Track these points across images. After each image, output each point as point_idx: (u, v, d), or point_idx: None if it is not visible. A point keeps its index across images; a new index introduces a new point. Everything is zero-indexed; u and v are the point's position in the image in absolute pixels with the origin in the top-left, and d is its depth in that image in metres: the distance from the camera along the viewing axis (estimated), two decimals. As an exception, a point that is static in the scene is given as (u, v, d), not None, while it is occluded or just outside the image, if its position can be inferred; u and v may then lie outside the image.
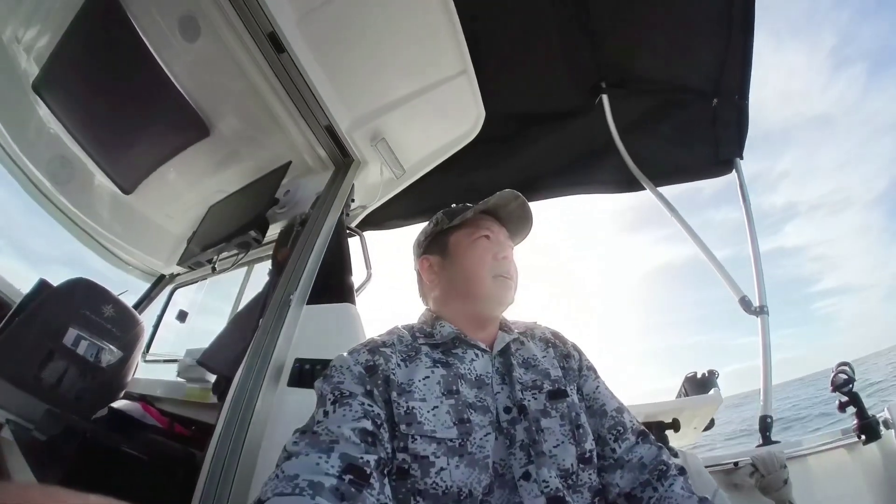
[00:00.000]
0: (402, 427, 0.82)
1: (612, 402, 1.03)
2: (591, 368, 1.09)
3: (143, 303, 2.92)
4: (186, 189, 2.68)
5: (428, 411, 0.84)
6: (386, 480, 0.76)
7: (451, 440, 0.82)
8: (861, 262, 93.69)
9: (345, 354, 0.93)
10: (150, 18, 2.07)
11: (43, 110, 2.40)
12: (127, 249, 2.86)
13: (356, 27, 1.97)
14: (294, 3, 1.87)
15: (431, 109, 2.21)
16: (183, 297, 2.99)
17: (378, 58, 2.06)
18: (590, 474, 0.90)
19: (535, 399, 0.93)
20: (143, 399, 2.05)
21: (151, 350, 2.78)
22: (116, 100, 2.35)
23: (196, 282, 2.92)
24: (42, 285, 2.24)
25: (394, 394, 0.85)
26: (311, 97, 2.03)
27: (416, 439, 0.81)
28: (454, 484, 0.78)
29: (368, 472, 0.71)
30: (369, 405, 0.82)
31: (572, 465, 0.87)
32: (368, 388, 0.85)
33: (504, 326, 1.07)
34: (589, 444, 0.92)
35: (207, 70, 2.18)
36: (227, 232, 2.17)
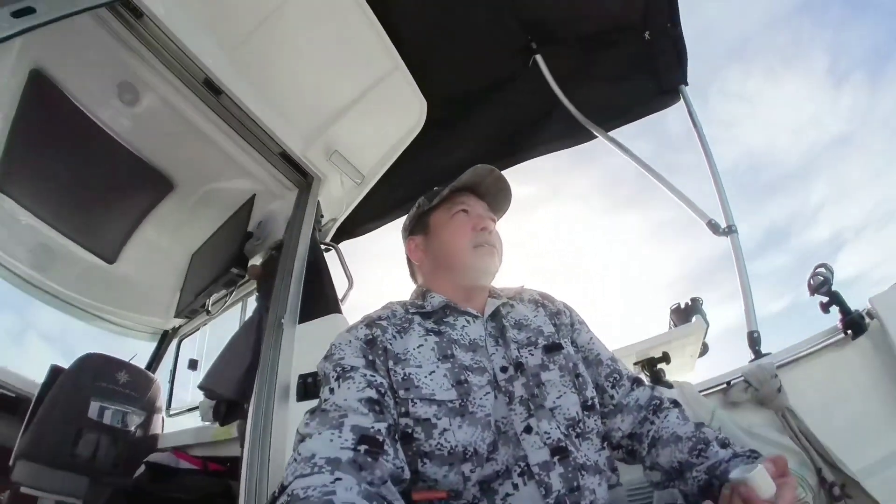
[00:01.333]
0: (402, 392, 0.85)
1: (606, 352, 1.09)
2: (582, 322, 1.14)
3: (154, 361, 3.01)
4: (167, 243, 2.76)
5: (425, 376, 0.87)
6: (398, 445, 0.78)
7: (450, 401, 0.85)
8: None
9: (343, 332, 0.97)
10: (88, 92, 2.12)
11: (10, 204, 2.45)
12: (125, 316, 2.96)
13: (283, 50, 2.03)
14: (220, 44, 1.92)
15: (375, 111, 2.27)
16: (190, 347, 3.07)
17: (312, 74, 2.12)
18: (595, 420, 0.94)
19: (532, 355, 0.96)
20: (176, 449, 2.14)
21: (173, 405, 2.87)
22: (78, 176, 2.40)
23: (198, 329, 3.00)
24: (54, 371, 2.33)
25: (391, 363, 0.89)
26: (258, 129, 2.09)
27: (415, 403, 0.84)
28: (458, 443, 0.81)
29: (381, 439, 0.73)
30: (371, 375, 0.84)
31: (577, 413, 0.91)
32: (370, 358, 0.88)
33: (493, 293, 1.10)
34: (590, 392, 0.97)
35: (155, 127, 2.23)
36: (211, 275, 2.25)
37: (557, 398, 0.91)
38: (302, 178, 2.27)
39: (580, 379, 0.97)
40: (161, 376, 2.90)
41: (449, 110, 2.62)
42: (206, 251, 2.57)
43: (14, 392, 2.70)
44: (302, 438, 0.75)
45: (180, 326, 3.06)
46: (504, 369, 0.93)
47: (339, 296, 1.91)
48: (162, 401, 2.48)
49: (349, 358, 0.88)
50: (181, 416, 2.78)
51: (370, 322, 0.97)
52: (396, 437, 0.80)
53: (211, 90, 1.96)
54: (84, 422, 2.09)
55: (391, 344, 0.92)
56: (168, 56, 1.85)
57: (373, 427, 0.75)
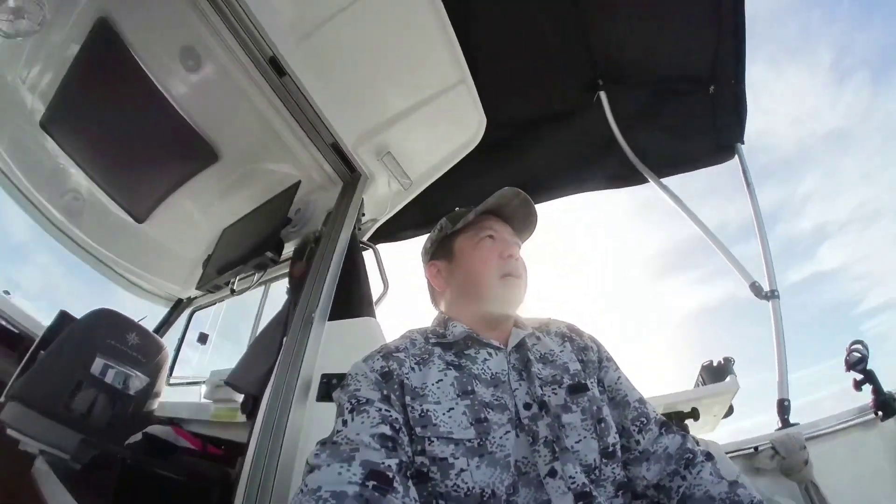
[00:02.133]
0: (418, 430, 0.82)
1: (634, 394, 1.03)
2: (611, 359, 1.08)
3: (162, 327, 2.98)
4: (199, 214, 2.73)
5: (443, 413, 0.84)
6: (410, 483, 0.76)
7: (469, 440, 0.82)
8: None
9: (360, 362, 0.94)
10: (150, 50, 2.11)
11: (52, 146, 2.44)
12: (143, 276, 2.93)
13: (354, 45, 2.01)
14: (292, 27, 1.91)
15: (433, 120, 2.24)
16: (202, 320, 3.04)
17: (378, 73, 2.10)
18: (613, 468, 0.89)
19: (556, 394, 0.92)
20: (173, 422, 2.09)
21: (174, 374, 2.83)
22: (124, 131, 2.39)
23: (214, 304, 2.96)
24: (63, 317, 2.30)
25: (408, 398, 0.86)
26: (314, 117, 2.07)
27: (432, 441, 0.81)
28: (476, 485, 0.78)
29: (391, 476, 0.71)
30: (387, 410, 0.82)
31: (595, 460, 0.86)
32: (385, 392, 0.86)
33: (518, 323, 1.05)
34: (612, 438, 0.91)
35: (212, 97, 2.22)
36: (242, 254, 2.21)
37: (576, 442, 0.86)
38: (349, 172, 2.24)
39: (602, 424, 0.91)
40: (166, 343, 2.86)
41: (507, 133, 2.61)
42: (239, 228, 2.53)
43: (18, 328, 2.69)
44: (311, 469, 0.73)
45: (195, 298, 3.03)
46: (528, 406, 0.90)
47: (374, 299, 1.86)
48: (166, 369, 2.43)
49: (364, 390, 0.86)
50: (180, 388, 2.74)
51: (387, 354, 0.94)
52: (408, 474, 0.78)
53: (275, 69, 1.94)
54: (85, 376, 2.04)
55: (408, 378, 0.89)
56: (238, 28, 1.83)
57: (383, 463, 0.73)
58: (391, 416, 0.82)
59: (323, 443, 0.79)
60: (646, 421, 0.98)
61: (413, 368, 0.92)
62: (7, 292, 2.76)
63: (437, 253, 1.16)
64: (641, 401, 1.02)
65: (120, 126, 2.39)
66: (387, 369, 0.90)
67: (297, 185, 2.27)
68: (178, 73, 2.17)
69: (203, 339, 2.80)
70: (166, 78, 2.20)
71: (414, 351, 0.96)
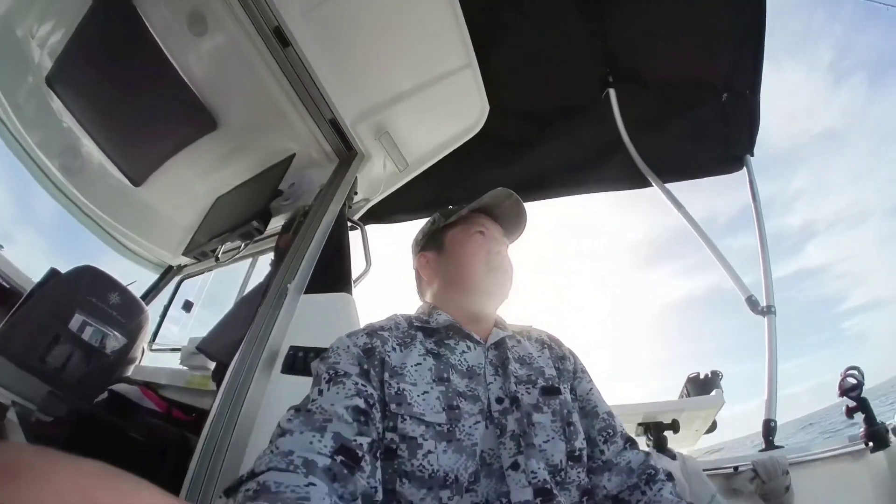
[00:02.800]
0: (393, 406, 0.82)
1: (604, 406, 1.03)
2: (585, 372, 1.10)
3: (151, 293, 2.97)
4: (194, 181, 2.72)
5: (418, 395, 0.85)
6: (377, 464, 0.76)
7: (439, 424, 0.82)
8: (887, 274, 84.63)
9: (344, 336, 0.94)
10: (159, 13, 2.11)
11: (56, 103, 2.45)
12: (136, 240, 2.92)
13: (360, 21, 1.98)
14: (308, 4, 1.90)
15: (435, 103, 2.21)
16: (190, 288, 3.03)
17: (382, 51, 2.07)
18: (578, 472, 0.89)
19: (529, 393, 0.93)
20: (146, 385, 2.08)
21: (158, 339, 2.83)
22: (127, 93, 2.39)
23: (203, 273, 2.96)
24: (52, 274, 2.29)
25: (386, 374, 0.86)
26: (315, 91, 2.06)
27: (405, 419, 0.81)
28: (440, 468, 0.78)
29: (360, 454, 0.71)
30: (363, 385, 0.82)
31: (561, 461, 0.86)
32: (365, 367, 0.86)
33: (500, 324, 1.08)
34: (579, 443, 0.92)
35: (215, 64, 2.21)
36: (231, 223, 2.20)
37: (544, 442, 0.87)
38: (345, 149, 2.22)
39: (571, 427, 0.92)
40: (154, 310, 2.86)
41: (510, 125, 2.57)
42: (231, 198, 2.52)
43: (8, 283, 2.69)
44: (282, 433, 0.72)
45: (185, 265, 3.02)
46: (500, 400, 0.90)
47: (354, 276, 1.84)
48: (147, 333, 2.43)
49: (344, 363, 0.86)
50: (163, 354, 2.73)
51: (371, 331, 0.95)
52: (377, 454, 0.77)
53: (279, 40, 1.94)
54: (63, 331, 2.03)
55: (389, 356, 0.90)
56: None
57: (354, 440, 0.72)
58: (367, 390, 0.82)
59: (297, 409, 0.78)
60: (612, 433, 0.99)
61: (395, 348, 0.93)
62: (0, 245, 2.75)
63: (428, 244, 1.18)
64: (610, 414, 1.03)
65: (123, 87, 2.38)
66: (370, 345, 0.90)
67: (291, 158, 2.25)
68: (184, 38, 2.15)
69: (188, 306, 2.79)
70: (173, 42, 2.19)
71: (397, 333, 0.97)
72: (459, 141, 2.32)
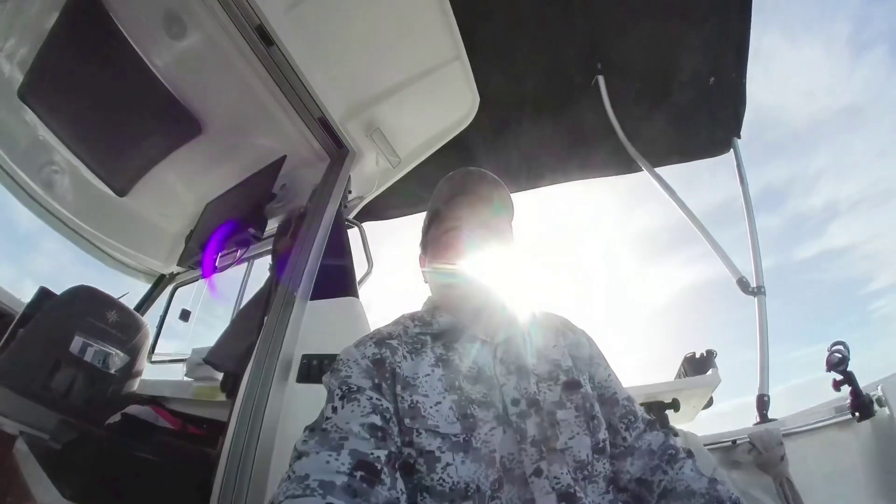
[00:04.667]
0: (407, 421, 0.82)
1: (623, 391, 1.03)
2: (601, 356, 1.08)
3: (144, 304, 2.92)
4: (182, 188, 2.66)
5: (431, 406, 0.84)
6: (398, 475, 0.75)
7: (454, 435, 0.81)
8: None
9: (352, 347, 0.92)
10: (133, 17, 2.03)
11: (30, 117, 2.35)
12: (125, 252, 2.86)
13: (346, 16, 1.93)
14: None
15: (425, 97, 2.18)
16: (184, 296, 2.98)
17: (369, 46, 2.03)
18: (604, 463, 0.90)
19: (551, 391, 0.92)
20: (154, 402, 2.06)
21: (157, 351, 2.79)
22: (105, 102, 2.31)
23: (196, 280, 2.91)
24: (43, 293, 2.24)
25: (398, 387, 0.85)
26: (302, 89, 2.01)
27: (420, 433, 0.81)
28: (461, 480, 0.78)
29: (379, 467, 0.71)
30: (377, 399, 0.82)
31: (587, 455, 0.86)
32: (377, 381, 0.85)
33: (508, 317, 1.04)
34: (602, 434, 0.92)
35: (196, 67, 2.14)
36: (220, 234, 2.16)
37: (569, 439, 0.87)
38: (337, 148, 2.18)
39: (595, 421, 0.92)
40: (149, 321, 2.80)
41: (502, 114, 2.55)
42: (222, 203, 2.47)
43: None
44: (298, 456, 0.72)
45: (178, 273, 2.97)
46: (515, 402, 0.88)
47: (357, 278, 1.82)
48: (147, 347, 2.38)
49: (356, 377, 0.85)
50: (163, 365, 2.70)
51: (380, 340, 0.93)
52: (396, 465, 0.77)
53: (263, 39, 1.88)
54: (64, 355, 1.99)
55: (400, 367, 0.89)
56: None
57: (372, 454, 0.72)
58: (382, 405, 0.81)
59: (312, 429, 0.77)
60: (633, 419, 0.98)
61: (405, 357, 0.91)
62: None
63: (422, 245, 1.16)
64: (629, 399, 1.02)
65: (101, 97, 2.30)
66: (379, 357, 0.89)
67: (282, 160, 2.22)
68: (161, 41, 2.08)
69: (185, 315, 2.75)
70: (150, 46, 2.11)
71: (406, 338, 0.96)
72: (451, 134, 2.31)
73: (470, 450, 0.80)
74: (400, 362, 0.89)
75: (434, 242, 1.08)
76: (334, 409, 0.79)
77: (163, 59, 2.14)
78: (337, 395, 0.82)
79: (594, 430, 0.90)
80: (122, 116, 2.36)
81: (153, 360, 2.71)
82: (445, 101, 2.24)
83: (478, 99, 2.22)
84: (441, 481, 0.77)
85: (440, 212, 1.10)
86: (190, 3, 1.88)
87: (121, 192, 2.59)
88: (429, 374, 0.89)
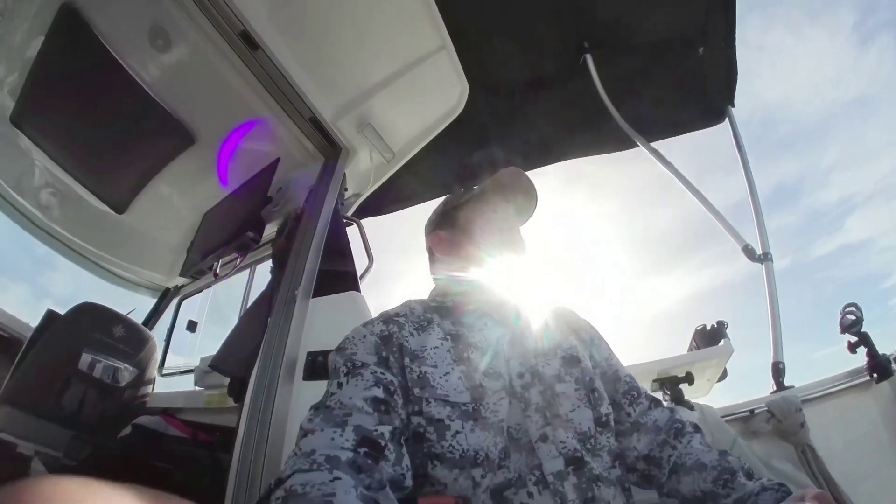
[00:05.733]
0: (416, 390, 0.82)
1: (624, 370, 1.06)
2: (602, 339, 1.12)
3: (152, 318, 2.94)
4: (179, 199, 2.67)
5: (440, 376, 0.85)
6: (404, 450, 0.75)
7: (464, 404, 0.82)
8: (932, 244, 78.43)
9: (360, 326, 0.93)
10: (117, 32, 2.03)
11: (24, 142, 2.36)
12: (128, 268, 2.90)
13: (329, 15, 1.93)
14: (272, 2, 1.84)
15: (415, 89, 2.16)
16: (191, 307, 3.00)
17: (354, 43, 2.02)
18: (608, 437, 0.90)
19: (549, 364, 0.94)
20: (165, 412, 2.06)
21: (167, 364, 2.80)
22: (97, 120, 2.32)
23: (201, 290, 2.92)
24: (49, 316, 2.25)
25: (406, 360, 0.86)
26: (291, 91, 2.01)
27: (429, 402, 0.82)
28: (470, 447, 0.78)
29: (383, 444, 0.71)
30: (382, 373, 0.82)
31: (589, 428, 0.87)
32: (384, 354, 0.86)
33: (517, 299, 1.07)
34: (605, 408, 0.93)
35: (184, 77, 2.15)
36: (224, 237, 2.16)
37: (571, 411, 0.88)
38: (330, 147, 2.18)
39: (595, 394, 0.93)
40: (157, 334, 2.83)
41: (493, 101, 2.54)
42: (220, 211, 2.47)
43: (7, 333, 2.64)
44: (304, 434, 0.72)
45: (183, 286, 2.99)
46: (521, 375, 0.91)
47: (358, 273, 1.82)
48: (156, 360, 2.41)
49: (361, 353, 0.85)
50: (174, 377, 2.71)
51: (387, 318, 0.95)
52: (402, 440, 0.76)
53: (247, 44, 1.88)
54: (73, 372, 2.02)
55: (407, 341, 0.90)
56: (206, 2, 1.76)
57: (376, 430, 0.72)
58: (386, 378, 0.81)
59: (316, 407, 0.78)
60: (636, 395, 1.01)
61: (412, 333, 0.92)
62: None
63: (443, 224, 1.18)
64: (631, 377, 1.05)
65: (92, 115, 2.32)
66: (386, 332, 0.90)
67: (276, 163, 2.21)
68: (147, 55, 2.08)
69: (192, 326, 2.76)
70: (136, 61, 2.12)
71: (413, 318, 0.97)
72: (443, 124, 2.29)
73: (479, 418, 0.81)
74: (407, 337, 0.90)
75: (474, 215, 1.13)
76: (339, 385, 0.80)
77: (150, 72, 2.14)
78: (342, 371, 0.82)
79: (595, 402, 0.92)
80: (115, 133, 2.37)
81: (163, 373, 2.72)
82: (435, 92, 2.22)
83: (467, 87, 2.21)
84: (451, 448, 0.78)
85: (486, 192, 1.16)
86: (173, 15, 1.89)
87: (119, 209, 2.61)
88: (437, 347, 0.90)
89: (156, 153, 2.44)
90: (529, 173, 1.20)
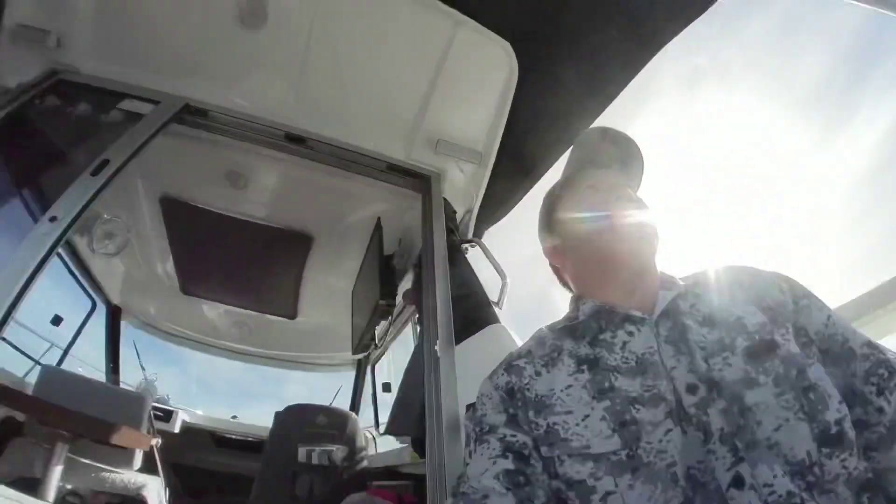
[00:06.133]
0: (544, 450, 0.68)
1: (858, 336, 0.70)
2: (810, 296, 0.75)
3: (357, 391, 3.34)
4: (328, 290, 2.96)
5: (576, 424, 0.67)
6: None
7: (613, 453, 0.62)
8: None
9: (486, 379, 0.83)
10: (207, 194, 2.40)
11: (196, 302, 3.04)
12: (323, 357, 3.41)
13: (340, 67, 1.91)
14: (281, 92, 1.92)
15: (459, 78, 1.95)
16: (383, 369, 3.32)
17: (379, 75, 1.93)
18: (843, 460, 0.57)
19: (729, 365, 0.65)
20: (367, 486, 2.15)
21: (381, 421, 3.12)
22: (235, 263, 2.85)
23: (384, 353, 3.18)
24: (276, 416, 2.70)
25: (531, 413, 0.72)
26: (354, 154, 2.04)
27: (563, 461, 0.65)
28: None
29: None
30: (512, 435, 0.70)
31: (809, 452, 0.57)
32: (511, 412, 0.74)
33: (666, 282, 0.80)
34: (833, 413, 0.60)
35: (271, 195, 2.40)
36: (368, 310, 2.28)
37: (775, 431, 0.58)
38: (418, 181, 2.11)
39: (812, 395, 0.61)
40: (365, 399, 3.29)
41: (537, 45, 2.15)
42: (359, 286, 2.61)
43: (252, 436, 3.23)
44: None
45: (369, 354, 3.27)
46: (692, 389, 0.64)
47: (494, 298, 1.70)
48: (361, 433, 2.68)
49: (490, 414, 0.75)
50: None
51: (509, 365, 0.80)
52: None
53: (295, 141, 1.97)
54: (296, 466, 2.35)
55: (530, 389, 0.74)
56: (244, 131, 1.93)
57: None
58: (517, 441, 0.69)
59: (454, 494, 0.69)
60: (888, 374, 0.65)
61: (538, 373, 0.76)
62: (234, 417, 3.37)
63: (549, 232, 0.97)
64: (871, 344, 0.69)
65: (229, 260, 2.82)
66: (510, 385, 0.77)
67: (378, 222, 2.25)
68: (233, 196, 2.38)
69: (387, 387, 3.03)
70: (232, 204, 2.44)
71: (541, 353, 0.80)
72: (509, 95, 1.97)
73: (640, 467, 0.60)
74: (529, 383, 0.75)
75: (570, 223, 0.89)
76: (470, 455, 0.72)
77: (247, 207, 2.47)
78: (472, 438, 0.75)
79: (813, 408, 0.60)
80: (255, 264, 2.79)
81: (382, 433, 2.99)
82: (481, 69, 1.93)
83: (509, 45, 1.87)
84: None
85: (574, 181, 0.94)
86: (237, 159, 2.16)
87: (291, 316, 3.07)
88: (570, 385, 0.71)
89: (293, 263, 2.74)
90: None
